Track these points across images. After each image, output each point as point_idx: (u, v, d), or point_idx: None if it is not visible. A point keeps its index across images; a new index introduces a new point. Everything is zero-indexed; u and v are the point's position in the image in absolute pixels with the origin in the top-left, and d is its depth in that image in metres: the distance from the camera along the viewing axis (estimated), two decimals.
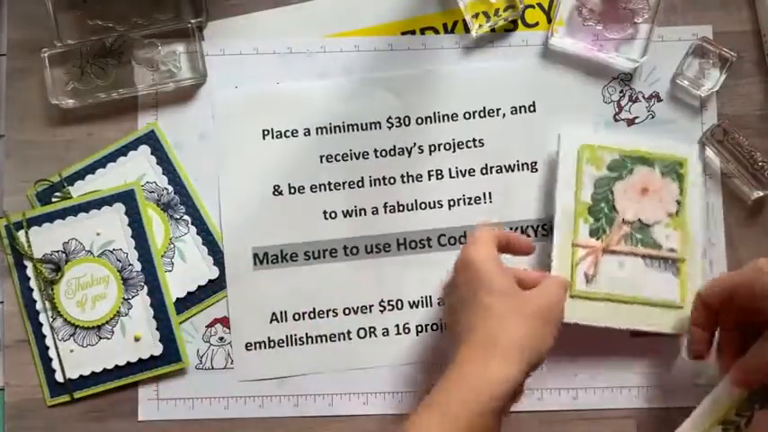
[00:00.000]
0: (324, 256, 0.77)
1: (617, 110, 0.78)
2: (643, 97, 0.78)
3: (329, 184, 0.77)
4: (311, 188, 0.78)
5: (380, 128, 0.78)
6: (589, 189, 0.75)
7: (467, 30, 0.78)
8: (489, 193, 0.77)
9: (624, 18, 0.77)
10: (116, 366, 0.75)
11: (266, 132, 0.78)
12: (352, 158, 0.78)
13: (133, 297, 0.75)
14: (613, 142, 0.76)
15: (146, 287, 0.75)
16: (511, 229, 0.77)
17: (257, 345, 0.76)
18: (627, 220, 0.74)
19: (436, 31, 0.79)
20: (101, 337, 0.75)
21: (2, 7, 0.80)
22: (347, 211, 0.77)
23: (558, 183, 0.75)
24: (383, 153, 0.78)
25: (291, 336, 0.77)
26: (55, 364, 0.75)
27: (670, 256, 0.74)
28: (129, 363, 0.75)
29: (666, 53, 0.78)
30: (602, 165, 0.75)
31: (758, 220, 0.77)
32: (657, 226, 0.75)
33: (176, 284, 0.76)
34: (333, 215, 0.77)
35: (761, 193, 0.75)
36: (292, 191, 0.78)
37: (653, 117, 0.78)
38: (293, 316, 0.77)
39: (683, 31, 0.78)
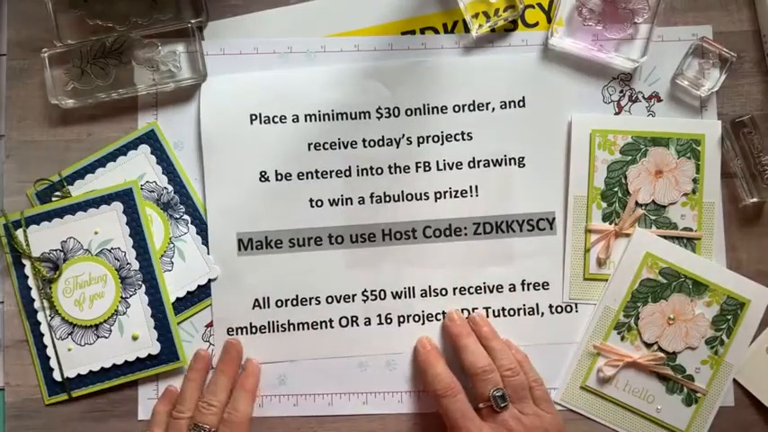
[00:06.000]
0: (309, 244, 0.77)
1: (617, 110, 0.78)
2: (643, 97, 0.78)
3: (316, 172, 0.78)
4: (298, 175, 0.78)
5: (369, 118, 0.78)
6: (602, 174, 0.76)
7: (467, 30, 0.78)
8: (476, 187, 0.77)
9: (624, 18, 0.77)
10: (114, 365, 0.75)
11: (254, 117, 0.78)
12: (340, 147, 0.78)
13: (131, 296, 0.75)
14: (626, 125, 0.77)
15: (143, 286, 0.75)
16: (497, 224, 0.77)
17: (239, 330, 0.77)
18: (640, 203, 0.75)
19: (436, 31, 0.79)
20: (99, 336, 0.75)
21: (2, 7, 0.80)
22: (333, 199, 0.77)
23: (570, 169, 0.76)
24: (371, 143, 0.78)
25: (273, 322, 0.77)
26: (53, 363, 0.75)
27: (686, 235, 0.75)
28: (126, 362, 0.75)
29: (666, 53, 0.78)
30: (615, 149, 0.76)
31: (758, 220, 0.77)
32: (673, 206, 0.76)
33: (176, 284, 0.76)
34: (319, 203, 0.77)
35: (755, 200, 0.76)
36: (279, 177, 0.78)
37: (653, 117, 0.78)
38: (276, 303, 0.77)
39: (683, 31, 0.78)
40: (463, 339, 0.73)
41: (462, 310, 0.76)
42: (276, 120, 0.78)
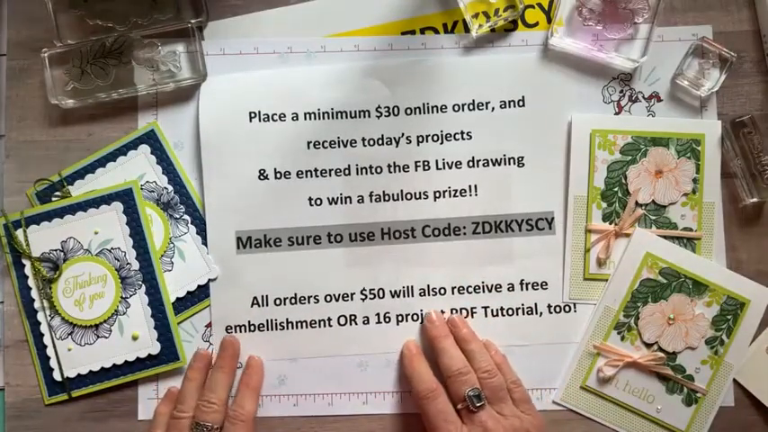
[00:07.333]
0: (308, 243, 0.77)
1: (617, 110, 0.78)
2: (643, 97, 0.78)
3: (315, 170, 0.78)
4: (297, 174, 0.78)
5: (369, 116, 0.78)
6: (602, 174, 0.76)
7: (467, 30, 0.78)
8: (475, 186, 0.77)
9: (624, 18, 0.77)
10: (114, 365, 0.75)
11: (253, 115, 0.78)
12: (339, 146, 0.78)
13: (131, 296, 0.75)
14: (626, 125, 0.77)
15: (143, 286, 0.75)
16: (496, 223, 0.77)
17: (237, 328, 0.77)
18: (640, 203, 0.75)
19: (436, 31, 0.79)
20: (99, 336, 0.75)
21: (2, 7, 0.80)
22: (333, 198, 0.77)
23: (570, 169, 0.77)
24: (371, 142, 0.78)
25: (272, 320, 0.77)
26: (53, 363, 0.75)
27: (686, 235, 0.75)
28: (126, 362, 0.75)
29: (666, 53, 0.78)
30: (615, 149, 0.76)
31: (758, 220, 0.77)
32: (673, 206, 0.76)
33: (176, 284, 0.76)
34: (318, 202, 0.77)
35: (755, 200, 0.76)
36: (278, 176, 0.78)
37: (653, 117, 0.77)
38: (274, 301, 0.77)
39: (683, 31, 0.78)
40: (441, 342, 0.73)
41: (461, 309, 0.76)
42: (275, 118, 0.78)
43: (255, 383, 0.74)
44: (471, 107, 0.78)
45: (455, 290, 0.77)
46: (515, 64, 0.78)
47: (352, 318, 0.77)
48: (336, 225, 0.77)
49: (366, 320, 0.77)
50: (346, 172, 0.77)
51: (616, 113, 0.78)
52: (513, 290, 0.76)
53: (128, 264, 0.75)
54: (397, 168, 0.77)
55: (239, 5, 0.79)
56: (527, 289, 0.76)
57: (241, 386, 0.74)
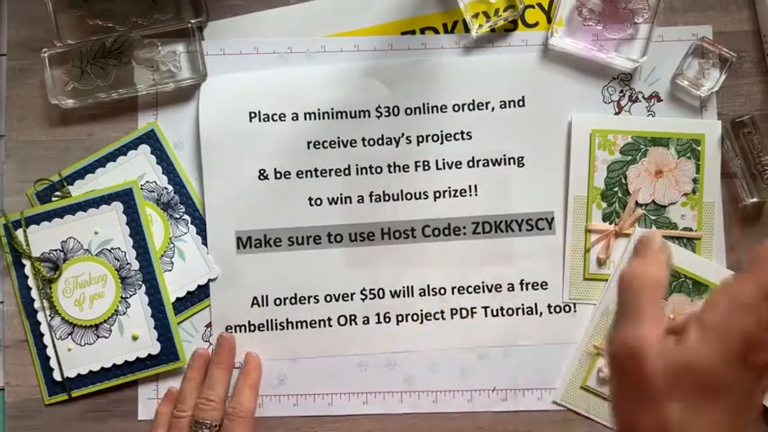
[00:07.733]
0: (308, 243, 0.77)
1: (617, 110, 0.78)
2: (643, 97, 0.78)
3: (315, 170, 0.78)
4: (297, 174, 0.78)
5: (369, 116, 0.78)
6: (602, 174, 0.76)
7: (467, 30, 0.78)
8: (475, 186, 0.77)
9: (624, 18, 0.77)
10: (114, 365, 0.75)
11: (253, 115, 0.78)
12: (339, 146, 0.78)
13: (131, 296, 0.75)
14: (626, 125, 0.77)
15: (143, 286, 0.75)
16: (496, 223, 0.77)
17: (237, 328, 0.77)
18: (640, 203, 0.75)
19: (436, 31, 0.79)
20: (99, 336, 0.75)
21: (2, 7, 0.80)
22: (333, 198, 0.77)
23: (570, 169, 0.77)
24: (371, 142, 0.78)
25: (272, 320, 0.77)
26: (53, 363, 0.75)
27: (686, 235, 0.75)
28: (126, 362, 0.75)
29: (666, 53, 0.78)
30: (615, 149, 0.76)
31: (758, 220, 0.77)
32: (673, 206, 0.76)
33: (176, 284, 0.76)
34: (318, 202, 0.77)
35: (755, 200, 0.75)
36: (278, 176, 0.78)
37: (653, 117, 0.77)
38: (274, 301, 0.77)
39: (683, 31, 0.78)
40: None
41: (461, 309, 0.76)
42: (276, 118, 0.78)
43: (254, 380, 0.75)
44: (471, 107, 0.78)
45: (455, 290, 0.76)
46: (515, 64, 0.78)
47: (352, 318, 0.77)
48: (336, 225, 0.77)
49: (366, 320, 0.77)
50: (346, 172, 0.77)
51: (616, 113, 0.78)
52: (513, 290, 0.76)
53: (128, 264, 0.75)
54: (397, 168, 0.77)
55: (239, 5, 0.79)
56: (527, 289, 0.76)
57: (239, 383, 0.74)
